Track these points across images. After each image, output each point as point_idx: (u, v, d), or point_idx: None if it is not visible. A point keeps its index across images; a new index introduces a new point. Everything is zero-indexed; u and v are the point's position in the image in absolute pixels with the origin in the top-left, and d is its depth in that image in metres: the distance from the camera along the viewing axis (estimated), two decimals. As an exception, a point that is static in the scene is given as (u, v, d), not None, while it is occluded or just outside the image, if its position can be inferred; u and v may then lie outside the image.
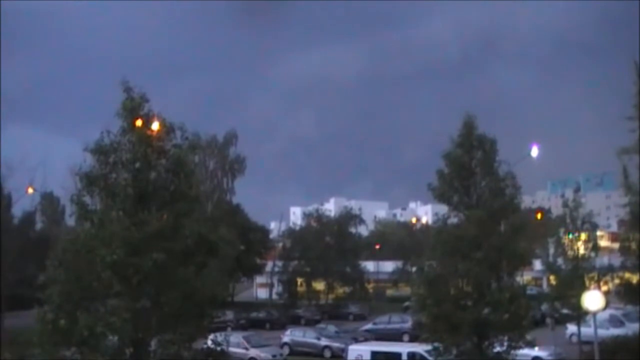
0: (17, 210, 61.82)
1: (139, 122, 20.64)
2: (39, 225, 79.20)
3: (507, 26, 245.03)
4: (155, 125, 20.85)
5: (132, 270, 19.37)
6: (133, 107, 20.81)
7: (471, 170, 27.96)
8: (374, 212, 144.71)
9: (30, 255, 50.65)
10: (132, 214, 20.10)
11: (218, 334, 31.65)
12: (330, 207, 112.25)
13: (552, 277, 40.08)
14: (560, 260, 37.56)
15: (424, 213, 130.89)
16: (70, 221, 26.80)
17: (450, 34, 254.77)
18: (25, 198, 63.75)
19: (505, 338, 26.97)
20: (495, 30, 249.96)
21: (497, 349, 27.13)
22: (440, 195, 28.27)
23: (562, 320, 41.43)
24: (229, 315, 55.24)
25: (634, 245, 36.21)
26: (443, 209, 29.00)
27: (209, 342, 22.02)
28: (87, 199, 20.77)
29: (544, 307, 43.60)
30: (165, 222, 19.96)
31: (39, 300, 19.88)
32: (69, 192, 21.19)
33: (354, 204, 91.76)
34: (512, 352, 27.41)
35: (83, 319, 19.06)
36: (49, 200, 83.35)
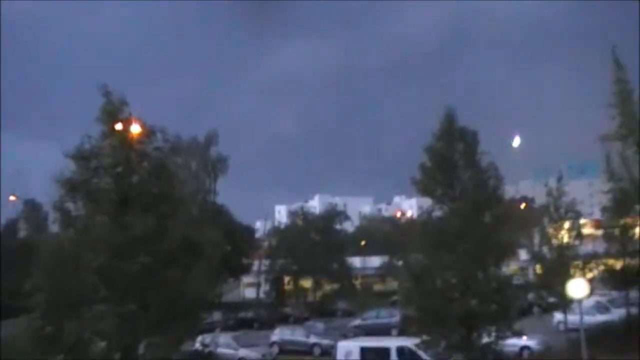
0: (0, 219, 61.36)
1: (118, 126, 20.56)
2: (22, 233, 78.71)
3: (484, 16, 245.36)
4: (136, 129, 20.78)
5: (118, 275, 19.31)
6: (112, 111, 20.73)
7: (453, 162, 28.04)
8: (359, 207, 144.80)
9: (14, 264, 50.31)
10: (116, 218, 20.03)
11: (206, 335, 31.63)
12: (315, 204, 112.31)
13: (537, 267, 40.24)
14: (545, 249, 37.72)
15: (409, 207, 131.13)
16: (54, 228, 26.61)
17: (427, 26, 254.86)
18: (7, 206, 63.40)
19: (493, 329, 27.08)
20: (472, 21, 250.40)
21: (486, 339, 27.25)
22: (423, 189, 28.34)
23: (548, 309, 41.61)
24: (217, 316, 55.08)
25: (617, 232, 36.47)
26: (427, 202, 29.07)
27: (198, 344, 21.98)
28: (70, 205, 20.67)
29: (531, 296, 43.81)
30: (149, 225, 19.87)
31: (24, 309, 19.76)
32: (51, 198, 20.94)
33: (338, 201, 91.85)
34: (501, 342, 27.55)
35: (69, 325, 18.97)
36: (31, 207, 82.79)
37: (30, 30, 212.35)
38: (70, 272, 19.58)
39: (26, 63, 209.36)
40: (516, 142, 35.37)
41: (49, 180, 20.69)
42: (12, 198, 65.92)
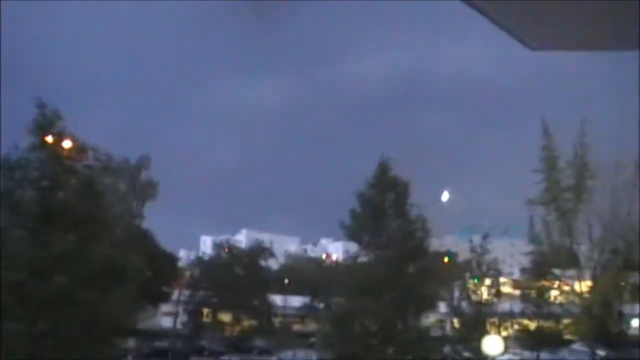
0: None
1: (49, 139, 20.09)
2: None
3: (430, 69, 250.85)
4: (67, 144, 20.35)
5: (33, 293, 18.68)
6: (45, 124, 20.26)
7: (383, 211, 28.35)
8: (285, 246, 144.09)
9: None
10: (36, 234, 19.45)
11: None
12: (242, 239, 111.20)
13: (455, 320, 40.73)
14: (464, 304, 38.26)
15: (335, 250, 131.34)
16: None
17: (378, 74, 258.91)
18: None
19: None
20: (418, 73, 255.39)
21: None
22: (351, 234, 28.55)
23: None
24: (131, 343, 53.72)
25: (533, 294, 37.30)
26: (354, 247, 29.22)
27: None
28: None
29: (447, 349, 44.24)
30: (70, 244, 19.38)
31: None
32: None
33: (265, 237, 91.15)
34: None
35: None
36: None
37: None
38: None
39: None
40: (445, 196, 36.04)
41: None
42: None
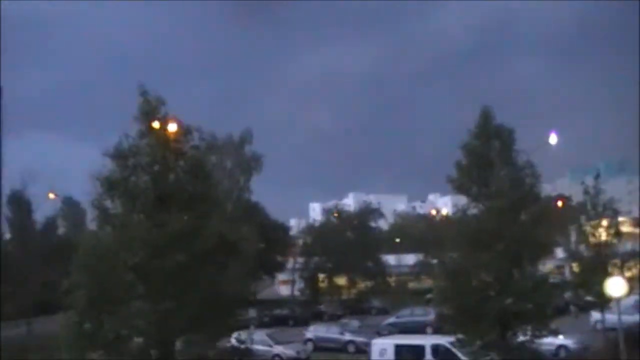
0: (40, 216, 62.36)
1: (156, 125, 20.75)
2: (61, 230, 79.91)
3: (520, 12, 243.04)
4: (173, 127, 20.95)
5: (155, 273, 19.50)
6: (150, 110, 20.92)
7: (489, 160, 27.86)
8: (393, 205, 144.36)
9: (53, 261, 51.14)
10: (152, 217, 20.23)
11: (242, 332, 31.84)
12: (350, 203, 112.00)
13: (574, 265, 39.83)
14: (582, 248, 37.32)
15: (443, 205, 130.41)
16: (91, 225, 26.98)
17: (463, 26, 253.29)
18: (46, 204, 64.43)
19: (529, 327, 26.88)
20: (507, 17, 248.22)
21: (521, 338, 27.06)
22: (459, 187, 28.25)
23: (586, 308, 41.16)
24: (252, 313, 55.38)
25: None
26: (463, 200, 28.95)
27: (233, 341, 22.12)
28: (107, 203, 20.91)
29: (568, 295, 43.33)
30: (185, 223, 20.04)
31: (64, 306, 20.07)
32: (89, 197, 21.23)
33: (372, 199, 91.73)
34: (537, 341, 27.33)
35: (108, 322, 19.22)
36: (70, 205, 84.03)
37: (70, 31, 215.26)
38: (108, 270, 19.79)
39: (67, 64, 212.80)
40: (553, 139, 34.94)
41: (87, 179, 20.97)
42: (51, 196, 66.95)
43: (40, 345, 37.76)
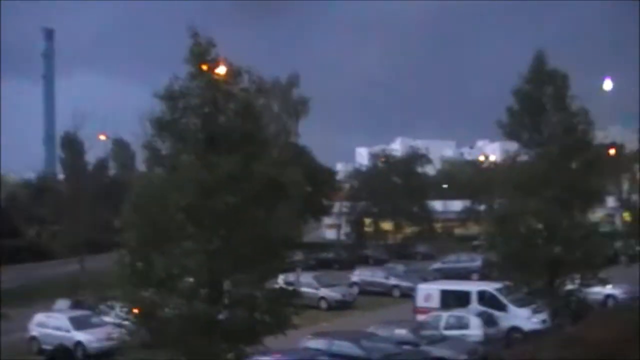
0: (91, 157, 63.57)
1: (205, 67, 20.73)
2: (111, 172, 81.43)
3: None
4: (222, 70, 20.91)
5: (205, 213, 19.72)
6: (200, 52, 20.86)
7: (542, 106, 27.40)
8: (441, 151, 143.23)
9: (104, 201, 52.30)
10: (202, 158, 20.34)
11: (289, 274, 32.25)
12: (397, 147, 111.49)
13: (625, 214, 39.29)
14: (634, 197, 36.75)
15: (492, 151, 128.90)
16: (141, 166, 27.32)
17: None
18: (98, 145, 65.56)
19: (577, 276, 26.74)
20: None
21: (569, 286, 26.93)
22: (509, 133, 27.90)
23: (636, 258, 40.70)
24: (298, 255, 56.03)
25: None
26: (512, 146, 28.59)
27: (281, 282, 22.39)
28: (158, 145, 21.08)
29: (618, 244, 42.83)
30: (235, 164, 20.15)
31: (116, 244, 20.49)
32: (139, 138, 21.42)
33: (420, 144, 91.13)
34: (584, 290, 27.18)
35: (159, 261, 19.58)
36: (120, 146, 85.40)
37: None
38: (158, 210, 20.06)
39: (118, 5, 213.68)
40: (607, 85, 34.13)
41: (136, 120, 21.11)
42: (102, 137, 68.05)
43: (94, 281, 38.88)
